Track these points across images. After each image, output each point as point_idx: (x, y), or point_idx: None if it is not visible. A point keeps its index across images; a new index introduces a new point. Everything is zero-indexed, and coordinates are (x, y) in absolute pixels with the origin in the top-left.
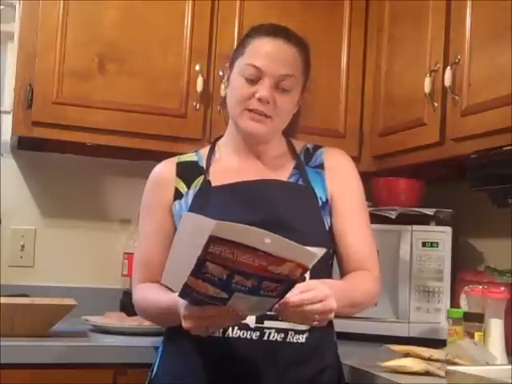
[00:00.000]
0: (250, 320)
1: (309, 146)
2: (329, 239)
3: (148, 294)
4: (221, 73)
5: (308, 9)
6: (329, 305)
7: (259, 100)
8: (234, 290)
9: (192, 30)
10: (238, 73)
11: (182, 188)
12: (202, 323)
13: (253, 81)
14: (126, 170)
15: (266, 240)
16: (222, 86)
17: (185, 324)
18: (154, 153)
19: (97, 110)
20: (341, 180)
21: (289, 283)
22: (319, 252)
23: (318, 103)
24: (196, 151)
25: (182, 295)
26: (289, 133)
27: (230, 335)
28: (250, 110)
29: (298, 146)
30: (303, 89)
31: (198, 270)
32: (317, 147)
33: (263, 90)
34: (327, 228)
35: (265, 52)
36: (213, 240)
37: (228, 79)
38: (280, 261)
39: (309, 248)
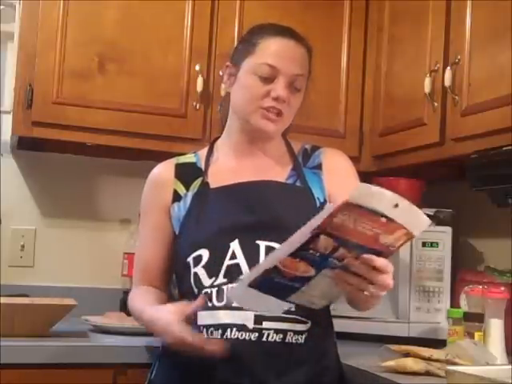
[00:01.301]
0: (249, 321)
1: (307, 146)
2: None
3: (136, 303)
4: (221, 73)
5: (308, 9)
6: (389, 281)
7: (275, 99)
8: (329, 265)
9: (192, 30)
10: (248, 71)
11: (181, 190)
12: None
13: (267, 79)
14: (126, 169)
15: (396, 205)
16: (222, 86)
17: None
18: (153, 153)
19: (97, 110)
20: (339, 180)
21: (384, 255)
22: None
23: (317, 103)
24: (194, 152)
25: (255, 283)
26: (284, 133)
27: (229, 336)
28: (264, 109)
29: (296, 146)
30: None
31: (305, 246)
32: (315, 148)
33: (280, 89)
34: None
35: (279, 51)
36: (345, 206)
37: (231, 78)
38: (396, 228)
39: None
